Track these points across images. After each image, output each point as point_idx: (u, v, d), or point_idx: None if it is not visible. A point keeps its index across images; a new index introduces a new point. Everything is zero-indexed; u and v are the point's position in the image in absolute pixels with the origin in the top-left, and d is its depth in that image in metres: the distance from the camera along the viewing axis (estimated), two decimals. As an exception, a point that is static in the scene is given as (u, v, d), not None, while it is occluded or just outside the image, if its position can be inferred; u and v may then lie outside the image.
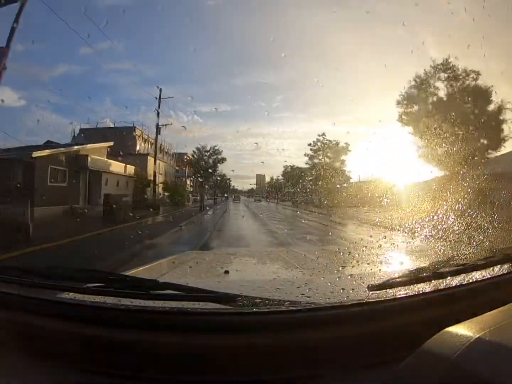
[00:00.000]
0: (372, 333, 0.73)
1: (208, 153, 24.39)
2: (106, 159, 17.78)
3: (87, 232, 8.99)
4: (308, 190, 29.76)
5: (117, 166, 18.43)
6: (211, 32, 32.78)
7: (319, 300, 0.85)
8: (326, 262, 1.73)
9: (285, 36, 30.20)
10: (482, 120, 11.95)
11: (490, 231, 2.25)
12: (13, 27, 8.32)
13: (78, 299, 0.82)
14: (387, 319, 0.75)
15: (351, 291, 0.93)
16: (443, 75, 13.02)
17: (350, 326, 0.73)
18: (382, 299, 0.80)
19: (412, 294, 0.81)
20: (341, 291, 0.94)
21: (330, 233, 10.23)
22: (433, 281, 0.87)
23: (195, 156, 24.75)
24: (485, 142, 12.70)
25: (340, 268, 1.61)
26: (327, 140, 22.50)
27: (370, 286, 0.84)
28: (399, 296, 0.80)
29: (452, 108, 12.11)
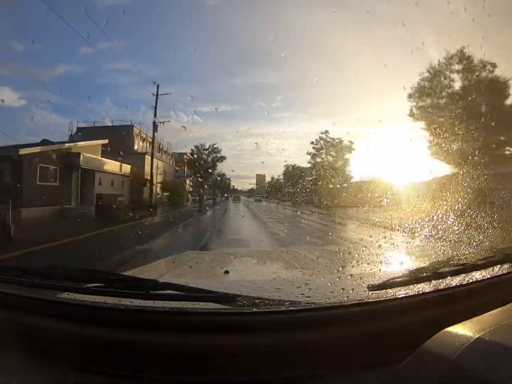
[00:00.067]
0: (372, 333, 0.72)
1: (207, 151, 23.80)
2: (100, 158, 17.09)
3: (74, 235, 8.34)
4: (309, 190, 29.31)
5: (112, 165, 17.70)
6: (211, 32, 32.91)
7: (319, 300, 0.84)
8: (326, 262, 1.73)
9: (285, 36, 30.21)
10: (500, 114, 11.29)
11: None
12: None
13: (78, 299, 0.82)
14: (387, 319, 0.75)
15: (351, 291, 0.92)
16: (457, 67, 12.43)
17: (350, 326, 0.72)
18: (382, 299, 0.79)
19: (412, 294, 0.81)
20: (341, 291, 0.93)
21: (333, 234, 9.94)
22: (433, 281, 0.86)
23: (194, 155, 24.06)
24: (502, 138, 12.01)
25: (340, 268, 1.60)
26: (330, 138, 21.90)
27: (370, 286, 0.83)
28: (399, 296, 0.80)
29: (468, 102, 11.43)
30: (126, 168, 19.23)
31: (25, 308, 0.79)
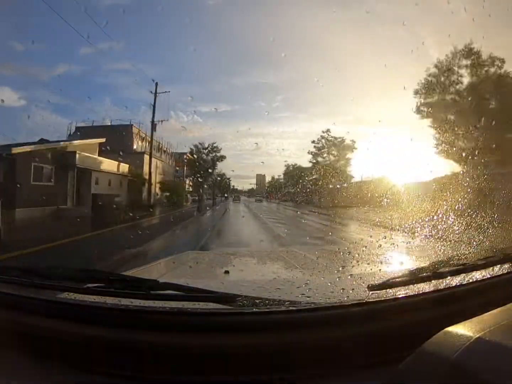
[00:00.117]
0: (372, 333, 0.72)
1: (206, 150, 23.37)
2: (96, 157, 16.64)
3: (66, 237, 7.96)
4: (310, 189, 29.04)
5: (109, 164, 17.20)
6: (211, 32, 32.92)
7: (319, 300, 0.84)
8: (326, 262, 1.73)
9: (285, 36, 30.47)
10: (510, 111, 10.92)
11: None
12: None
13: (78, 300, 0.82)
14: (387, 319, 0.75)
15: (351, 291, 0.92)
16: (465, 62, 12.05)
17: (350, 326, 0.72)
18: (382, 299, 0.79)
19: (412, 294, 0.81)
20: (341, 291, 0.93)
21: (335, 235, 9.68)
22: (433, 281, 0.86)
23: (194, 154, 23.65)
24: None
25: (340, 268, 1.59)
26: (332, 137, 21.52)
27: (370, 286, 0.83)
28: (399, 296, 0.80)
29: (477, 97, 11.05)
30: (124, 167, 18.75)
31: (25, 308, 0.79)
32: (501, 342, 0.53)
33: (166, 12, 29.58)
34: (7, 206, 8.67)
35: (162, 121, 19.47)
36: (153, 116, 19.11)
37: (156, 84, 19.27)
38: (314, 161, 22.55)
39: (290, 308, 0.75)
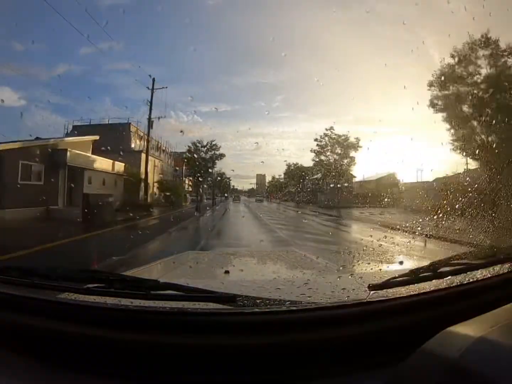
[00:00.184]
0: (373, 333, 0.72)
1: (205, 148, 22.63)
2: (90, 155, 15.92)
3: (47, 242, 7.23)
4: (312, 189, 28.44)
5: (103, 163, 16.46)
6: (211, 32, 32.64)
7: (320, 300, 0.84)
8: (326, 262, 1.72)
9: (285, 36, 30.40)
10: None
11: None
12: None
13: (78, 300, 0.82)
14: (387, 318, 0.74)
15: (351, 291, 0.92)
16: (482, 52, 11.28)
17: (351, 326, 0.72)
18: (383, 298, 0.79)
19: (412, 293, 0.80)
20: (342, 291, 0.93)
21: (346, 240, 9.25)
22: (433, 280, 0.86)
23: (191, 151, 22.90)
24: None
25: (341, 268, 1.60)
26: (335, 134, 20.79)
27: (370, 285, 0.83)
28: (399, 296, 0.80)
29: (498, 89, 10.31)
30: (120, 166, 17.98)
31: (26, 309, 0.78)
32: (501, 342, 0.53)
33: (166, 12, 29.50)
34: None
35: (159, 117, 19.01)
36: (150, 113, 18.64)
37: (153, 79, 19.07)
38: (317, 159, 21.85)
39: (291, 308, 0.76)
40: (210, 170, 23.91)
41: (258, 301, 0.77)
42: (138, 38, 31.52)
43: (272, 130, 42.37)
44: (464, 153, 10.62)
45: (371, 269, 1.49)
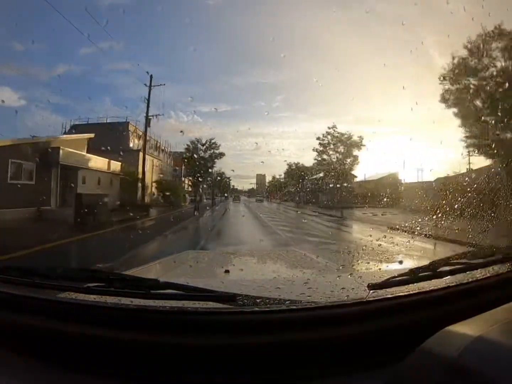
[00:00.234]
0: (373, 332, 0.72)
1: (204, 146, 22.06)
2: (84, 153, 15.36)
3: (36, 245, 6.60)
4: (313, 189, 28.01)
5: (98, 162, 15.85)
6: (211, 32, 32.35)
7: (319, 299, 0.84)
8: (326, 261, 1.73)
9: (285, 36, 30.21)
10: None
11: None
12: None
13: (78, 299, 0.82)
14: (387, 318, 0.74)
15: (351, 290, 0.91)
16: (496, 44, 10.72)
17: (351, 325, 0.72)
18: (382, 298, 0.79)
19: (412, 293, 0.80)
20: (341, 290, 0.93)
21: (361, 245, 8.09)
22: (433, 280, 0.86)
23: (190, 150, 22.32)
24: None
25: (340, 267, 1.59)
26: (338, 133, 20.23)
27: (370, 285, 0.83)
28: (399, 295, 0.79)
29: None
30: (116, 165, 17.38)
31: (26, 308, 0.78)
32: (501, 341, 0.53)
33: (166, 12, 29.12)
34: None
35: (157, 115, 18.42)
36: (147, 110, 18.11)
37: (151, 76, 18.66)
38: (319, 158, 21.30)
39: (290, 307, 0.76)
40: (209, 170, 23.45)
41: (258, 300, 0.77)
42: (138, 38, 31.81)
43: (272, 130, 42.32)
44: (478, 151, 10.10)
45: (371, 268, 1.49)
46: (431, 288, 0.81)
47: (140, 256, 6.39)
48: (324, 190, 25.61)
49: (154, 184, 21.41)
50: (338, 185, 22.50)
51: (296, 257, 2.05)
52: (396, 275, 0.87)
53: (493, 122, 9.49)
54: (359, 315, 0.73)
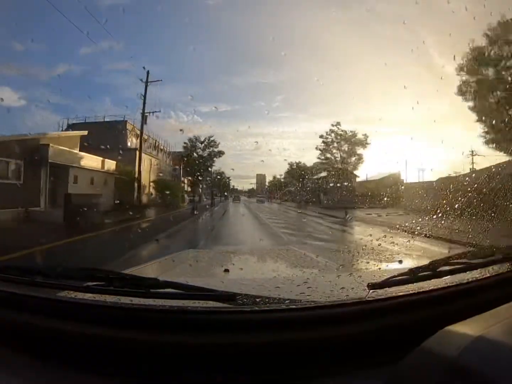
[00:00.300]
0: (372, 332, 0.72)
1: (203, 144, 21.37)
2: (76, 151, 14.65)
3: (16, 249, 5.86)
4: (314, 189, 27.39)
5: (91, 160, 15.15)
6: (211, 32, 32.66)
7: (319, 298, 0.84)
8: (326, 261, 1.73)
9: (285, 36, 30.35)
10: None
11: None
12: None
13: (78, 298, 0.82)
14: (387, 317, 0.74)
15: (351, 290, 0.91)
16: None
17: (350, 325, 0.72)
18: (382, 297, 0.78)
19: (412, 292, 0.80)
20: (341, 289, 0.93)
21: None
22: (432, 280, 0.85)
23: (188, 148, 21.62)
24: None
25: (340, 267, 1.59)
26: (342, 131, 19.57)
27: (370, 284, 0.82)
28: (398, 295, 0.79)
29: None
30: (111, 164, 16.66)
31: (25, 307, 0.78)
32: (501, 340, 0.53)
33: (166, 12, 29.63)
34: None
35: (154, 112, 17.77)
36: (144, 107, 17.54)
37: (148, 72, 18.16)
38: (322, 157, 20.61)
39: (290, 306, 0.75)
40: (208, 169, 22.80)
41: (257, 299, 0.77)
42: (138, 38, 31.52)
43: (272, 130, 42.33)
44: (498, 147, 9.41)
45: (371, 268, 1.44)
46: (431, 288, 0.81)
47: (130, 263, 5.68)
48: (326, 190, 25.01)
49: (152, 184, 20.82)
50: (342, 185, 21.91)
51: (295, 256, 2.05)
52: (396, 274, 0.86)
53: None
54: (359, 315, 0.73)
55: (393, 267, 1.50)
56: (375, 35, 27.54)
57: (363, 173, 24.47)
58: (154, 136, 22.85)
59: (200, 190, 26.52)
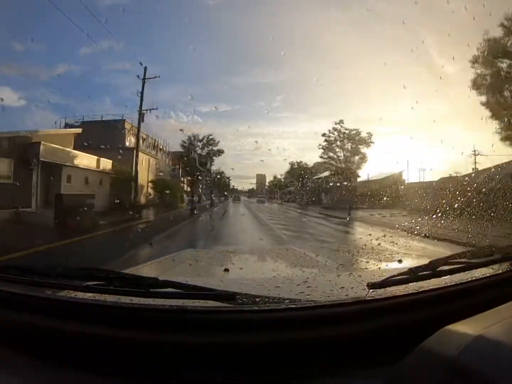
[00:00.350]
0: (372, 331, 0.72)
1: (201, 143, 20.87)
2: (70, 150, 14.13)
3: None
4: (315, 189, 26.93)
5: (86, 159, 14.63)
6: (211, 31, 32.24)
7: (319, 298, 0.84)
8: (326, 260, 1.73)
9: (285, 36, 29.96)
10: None
11: None
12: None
13: (78, 298, 0.82)
14: (386, 317, 0.74)
15: (350, 289, 0.91)
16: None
17: (350, 324, 0.72)
18: (382, 297, 0.78)
19: (411, 292, 0.80)
20: (341, 289, 0.93)
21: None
22: (432, 279, 0.85)
23: (186, 146, 21.13)
24: None
25: (340, 267, 1.59)
26: (345, 129, 19.09)
27: (369, 284, 0.82)
28: (398, 294, 0.79)
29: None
30: (107, 163, 16.15)
31: (25, 307, 0.77)
32: (501, 340, 0.53)
33: (165, 12, 29.29)
34: None
35: (151, 109, 17.34)
36: (141, 104, 17.08)
37: (145, 68, 17.70)
38: (325, 156, 20.12)
39: (290, 306, 0.75)
40: (208, 168, 22.32)
41: (257, 299, 0.77)
42: (138, 38, 31.22)
43: (272, 130, 42.11)
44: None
45: (370, 267, 1.44)
46: (430, 288, 0.81)
47: (122, 268, 5.15)
48: (327, 190, 24.57)
49: (150, 184, 20.39)
50: (341, 184, 21.48)
51: (295, 255, 2.07)
52: (395, 274, 0.86)
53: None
54: (358, 314, 0.73)
55: (392, 266, 1.51)
56: (375, 35, 27.40)
57: (364, 173, 24.10)
58: (153, 136, 22.64)
59: (199, 190, 26.11)
